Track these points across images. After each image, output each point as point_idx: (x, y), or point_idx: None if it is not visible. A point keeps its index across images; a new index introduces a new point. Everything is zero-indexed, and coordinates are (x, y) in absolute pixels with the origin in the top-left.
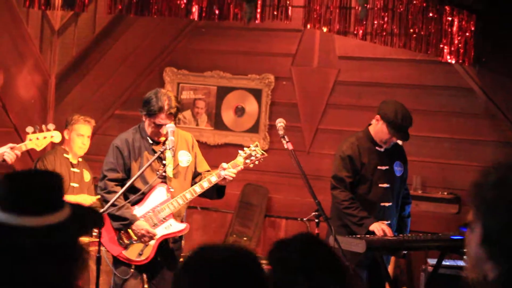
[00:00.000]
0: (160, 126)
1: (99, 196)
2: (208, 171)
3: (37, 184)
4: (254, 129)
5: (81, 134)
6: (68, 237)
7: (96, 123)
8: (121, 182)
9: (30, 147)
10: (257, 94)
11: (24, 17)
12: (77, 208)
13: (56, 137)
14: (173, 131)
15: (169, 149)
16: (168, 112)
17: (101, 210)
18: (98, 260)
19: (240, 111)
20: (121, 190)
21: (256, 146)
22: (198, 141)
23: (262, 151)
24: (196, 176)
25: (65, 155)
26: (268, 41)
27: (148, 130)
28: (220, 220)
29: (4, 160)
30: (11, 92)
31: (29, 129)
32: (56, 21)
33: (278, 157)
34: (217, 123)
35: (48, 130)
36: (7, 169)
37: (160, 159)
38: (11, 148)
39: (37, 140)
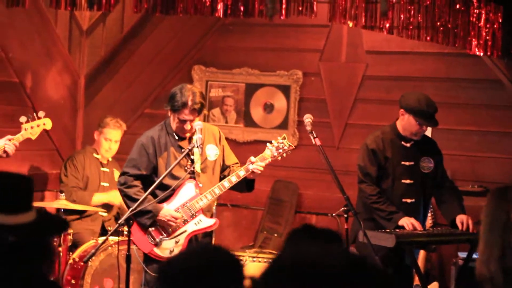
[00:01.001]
0: (184, 121)
1: None
2: (237, 163)
3: (4, 185)
4: (283, 125)
5: (109, 139)
6: (33, 237)
7: (125, 122)
8: (141, 179)
9: (26, 137)
10: (285, 90)
11: (53, 18)
12: (43, 213)
13: (48, 124)
14: (201, 128)
15: (197, 147)
16: (192, 108)
17: (132, 207)
18: (128, 259)
19: (269, 108)
20: (151, 187)
21: (284, 138)
22: (227, 138)
23: (289, 143)
24: (224, 169)
25: (94, 155)
26: (295, 37)
27: (173, 125)
28: (250, 216)
29: (5, 152)
30: (40, 93)
31: (22, 118)
32: (84, 21)
33: (307, 153)
34: (246, 120)
35: (39, 118)
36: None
37: (188, 154)
38: (10, 140)
39: (32, 129)
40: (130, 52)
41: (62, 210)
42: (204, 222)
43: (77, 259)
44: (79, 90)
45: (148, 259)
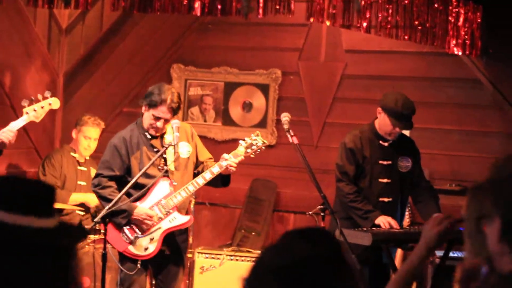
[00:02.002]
0: (158, 119)
1: None
2: (210, 158)
3: (34, 187)
4: (262, 124)
5: (88, 137)
6: (58, 242)
7: (104, 121)
8: (115, 180)
9: (30, 121)
10: (264, 89)
11: (32, 16)
12: (63, 221)
13: (54, 103)
14: (178, 127)
15: (174, 145)
16: (170, 106)
17: (107, 206)
18: (104, 257)
19: (247, 107)
20: (126, 187)
21: (257, 135)
22: (206, 137)
23: (263, 140)
24: (198, 165)
25: (72, 153)
26: (275, 36)
27: (146, 122)
28: (229, 215)
29: (2, 142)
30: (19, 91)
31: (24, 102)
32: (63, 20)
33: (286, 151)
34: (225, 119)
35: (45, 98)
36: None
37: (159, 152)
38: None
39: (35, 111)
40: (109, 51)
41: None
42: (178, 219)
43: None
44: (58, 89)
45: (123, 257)
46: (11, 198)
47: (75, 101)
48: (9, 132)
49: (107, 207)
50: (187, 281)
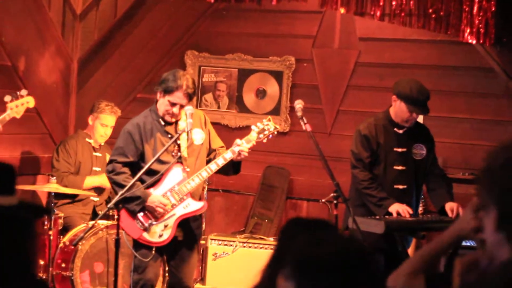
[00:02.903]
0: (174, 104)
1: None
2: (222, 147)
3: None
4: (276, 111)
5: (105, 124)
6: (19, 218)
7: (118, 106)
8: (129, 166)
9: (12, 116)
10: (278, 76)
11: (46, 2)
12: (25, 200)
13: (31, 102)
14: (192, 113)
15: (188, 131)
16: (186, 92)
17: (121, 192)
18: (117, 243)
19: (261, 94)
20: (139, 173)
21: (269, 120)
22: (219, 124)
23: (275, 125)
24: (210, 152)
25: (87, 139)
26: (289, 23)
27: (161, 108)
28: (242, 202)
29: None
30: (33, 77)
31: (7, 98)
32: (78, 5)
33: (299, 139)
34: (239, 106)
35: (22, 96)
36: None
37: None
38: None
39: (16, 107)
40: (124, 37)
41: (53, 194)
42: (192, 206)
43: (67, 243)
44: (72, 74)
45: (138, 244)
46: None
47: (89, 87)
48: None
49: (120, 193)
50: (200, 267)
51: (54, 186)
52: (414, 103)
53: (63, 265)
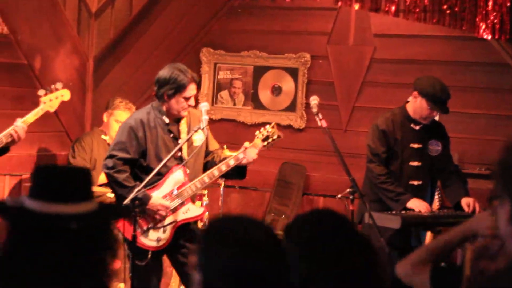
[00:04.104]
0: (189, 98)
1: None
2: (218, 149)
3: (67, 175)
4: (291, 108)
5: (120, 121)
6: (95, 226)
7: (133, 104)
8: (129, 164)
9: (46, 110)
10: (293, 73)
11: (62, 1)
12: (104, 203)
13: (66, 95)
14: (207, 110)
15: (203, 128)
16: (195, 80)
17: (129, 198)
18: (134, 239)
19: (277, 90)
20: (149, 176)
21: (273, 127)
22: (235, 121)
23: (279, 134)
24: (207, 154)
25: (102, 136)
26: (303, 20)
27: (175, 108)
28: (258, 198)
29: (11, 136)
30: (49, 75)
31: (41, 92)
32: (93, 4)
33: (315, 135)
34: (254, 103)
35: (57, 89)
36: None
37: (176, 139)
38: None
39: (50, 101)
40: (139, 35)
41: None
42: (192, 211)
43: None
44: (87, 72)
45: (134, 247)
46: (44, 188)
47: (104, 84)
48: (17, 127)
49: (137, 189)
50: None
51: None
52: (436, 102)
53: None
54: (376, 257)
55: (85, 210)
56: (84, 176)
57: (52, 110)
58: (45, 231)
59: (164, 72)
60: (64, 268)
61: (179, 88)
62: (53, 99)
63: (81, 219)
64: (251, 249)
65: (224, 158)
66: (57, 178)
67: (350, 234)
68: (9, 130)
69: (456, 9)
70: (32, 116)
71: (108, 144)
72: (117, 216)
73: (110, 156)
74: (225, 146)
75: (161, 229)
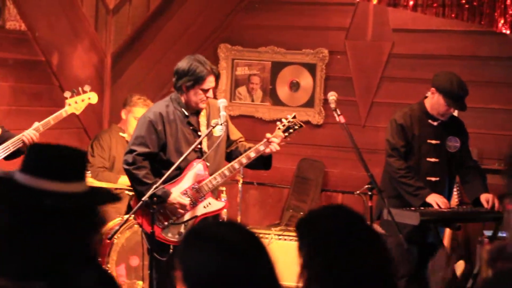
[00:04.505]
0: (207, 90)
1: None
2: (241, 138)
3: (59, 153)
4: (309, 103)
5: (138, 118)
6: (86, 205)
7: (152, 101)
8: (149, 158)
9: (70, 112)
10: (311, 68)
11: None
12: (95, 187)
13: (93, 98)
14: (225, 106)
15: (221, 124)
16: (214, 73)
17: (147, 195)
18: (152, 235)
19: (295, 86)
20: (169, 171)
21: (294, 117)
22: (253, 117)
23: (301, 123)
24: (230, 144)
25: (120, 133)
26: (321, 15)
27: (193, 100)
28: (276, 195)
29: (23, 142)
30: (67, 72)
31: (67, 94)
32: (110, 0)
33: (333, 131)
34: (272, 98)
35: (85, 92)
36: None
37: (195, 131)
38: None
39: (76, 104)
40: (156, 31)
41: None
42: (213, 205)
43: (103, 237)
44: (105, 69)
45: (155, 242)
46: (34, 163)
47: (122, 81)
48: (33, 131)
49: (154, 186)
50: None
51: (88, 181)
52: (453, 98)
53: (99, 258)
54: (387, 253)
55: (74, 190)
56: (76, 157)
57: (77, 112)
58: (31, 206)
59: (183, 64)
60: (48, 245)
61: (198, 80)
62: (79, 101)
63: (69, 198)
64: (227, 249)
65: (249, 148)
66: (48, 155)
67: (363, 229)
68: (19, 136)
69: (475, 3)
70: (52, 119)
71: (127, 142)
72: (106, 201)
73: (130, 151)
74: (243, 139)
75: (182, 224)
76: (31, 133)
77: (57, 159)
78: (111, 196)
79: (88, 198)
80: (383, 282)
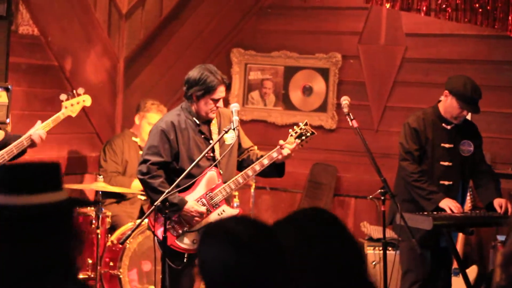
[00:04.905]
0: (218, 100)
1: None
2: (252, 146)
3: (32, 167)
4: (322, 108)
5: (153, 124)
6: (61, 217)
7: (164, 105)
8: (163, 167)
9: (67, 115)
10: (324, 73)
11: (92, 2)
12: (72, 196)
13: (87, 100)
14: (238, 110)
15: (234, 129)
16: (224, 83)
17: (159, 200)
18: (164, 241)
19: (308, 91)
20: (180, 177)
21: (306, 125)
22: (266, 122)
23: (313, 130)
24: (242, 152)
25: (133, 138)
26: (334, 20)
27: (203, 109)
28: (289, 200)
29: (32, 141)
30: (80, 76)
31: (63, 96)
32: (123, 5)
33: (346, 135)
34: (285, 103)
35: (78, 94)
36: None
37: (207, 139)
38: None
39: (72, 106)
40: (169, 35)
41: (100, 193)
42: (227, 212)
43: (115, 241)
44: (118, 74)
45: (169, 250)
46: (14, 182)
47: (135, 86)
48: (42, 131)
49: (166, 191)
50: None
51: (101, 185)
52: (466, 101)
53: (111, 263)
54: (362, 256)
55: (47, 200)
56: (53, 168)
57: (73, 115)
58: (7, 222)
59: (194, 73)
60: (21, 260)
61: (208, 89)
62: (75, 104)
63: (43, 209)
64: (243, 245)
65: (261, 156)
66: (17, 172)
67: (339, 233)
68: (22, 139)
69: (488, 7)
70: (52, 121)
71: (139, 146)
72: (81, 205)
73: (144, 161)
74: (255, 147)
75: (197, 233)
76: (40, 133)
77: (22, 174)
78: (83, 202)
79: (63, 206)
80: (360, 284)
